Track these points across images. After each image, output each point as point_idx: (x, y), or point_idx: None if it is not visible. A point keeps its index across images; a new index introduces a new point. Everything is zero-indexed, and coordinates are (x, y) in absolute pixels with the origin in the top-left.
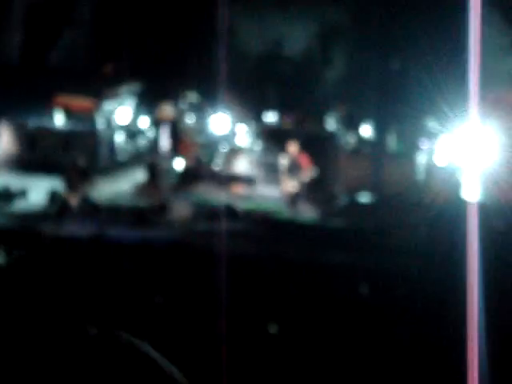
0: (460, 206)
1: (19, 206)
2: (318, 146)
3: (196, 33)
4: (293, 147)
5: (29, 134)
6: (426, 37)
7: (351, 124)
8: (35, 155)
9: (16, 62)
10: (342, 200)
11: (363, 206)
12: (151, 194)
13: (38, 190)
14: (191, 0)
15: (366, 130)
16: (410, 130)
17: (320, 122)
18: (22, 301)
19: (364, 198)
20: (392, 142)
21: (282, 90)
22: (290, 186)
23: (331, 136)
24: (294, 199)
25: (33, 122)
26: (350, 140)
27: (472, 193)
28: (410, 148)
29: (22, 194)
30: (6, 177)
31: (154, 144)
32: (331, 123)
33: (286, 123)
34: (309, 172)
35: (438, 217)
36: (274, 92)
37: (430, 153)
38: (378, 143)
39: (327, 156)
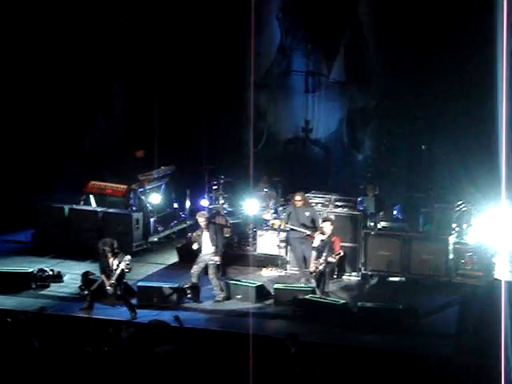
0: (492, 286)
1: (55, 289)
2: (347, 227)
3: (225, 117)
4: (325, 227)
5: (64, 217)
6: (455, 117)
7: (381, 205)
8: (70, 238)
9: (53, 147)
10: (372, 280)
11: (393, 285)
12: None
13: (72, 273)
14: (219, 86)
15: (396, 211)
16: (439, 210)
17: (349, 202)
18: None
19: (394, 277)
20: (422, 221)
21: (311, 172)
22: (321, 265)
23: (361, 216)
24: (323, 279)
25: (68, 206)
26: (379, 220)
27: (504, 272)
28: (440, 228)
29: (58, 276)
30: (41, 260)
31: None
32: (361, 203)
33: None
34: (339, 253)
35: (470, 297)
36: (302, 174)
37: (461, 232)
38: (407, 223)
39: (357, 236)
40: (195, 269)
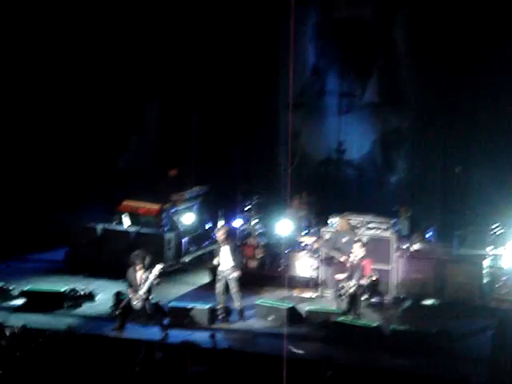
0: None
1: (87, 308)
2: (380, 249)
3: (260, 137)
4: (356, 249)
5: (97, 237)
6: (490, 139)
7: (414, 227)
8: (103, 258)
9: (87, 166)
10: (405, 303)
11: (426, 309)
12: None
13: (105, 292)
14: (254, 107)
15: (430, 233)
16: (474, 233)
17: (383, 224)
18: None
19: (427, 301)
20: (456, 244)
21: (344, 193)
22: (352, 288)
23: (394, 239)
24: (355, 302)
25: (101, 226)
26: (413, 242)
27: None
28: (475, 251)
29: (90, 296)
30: (74, 279)
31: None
32: (394, 226)
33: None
34: (371, 275)
35: (505, 322)
36: (335, 195)
37: (496, 256)
38: (441, 246)
39: (390, 259)
40: (219, 287)
